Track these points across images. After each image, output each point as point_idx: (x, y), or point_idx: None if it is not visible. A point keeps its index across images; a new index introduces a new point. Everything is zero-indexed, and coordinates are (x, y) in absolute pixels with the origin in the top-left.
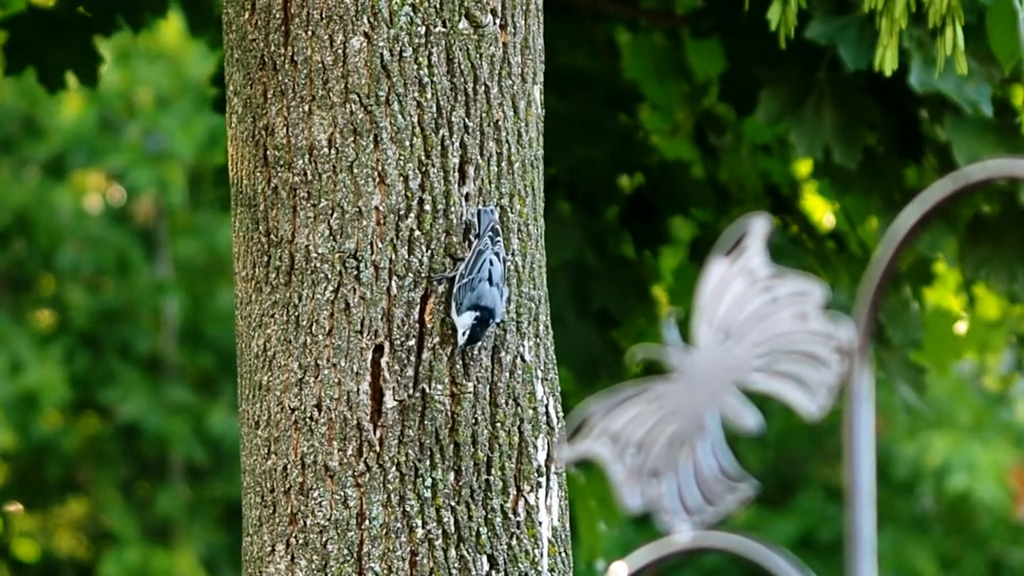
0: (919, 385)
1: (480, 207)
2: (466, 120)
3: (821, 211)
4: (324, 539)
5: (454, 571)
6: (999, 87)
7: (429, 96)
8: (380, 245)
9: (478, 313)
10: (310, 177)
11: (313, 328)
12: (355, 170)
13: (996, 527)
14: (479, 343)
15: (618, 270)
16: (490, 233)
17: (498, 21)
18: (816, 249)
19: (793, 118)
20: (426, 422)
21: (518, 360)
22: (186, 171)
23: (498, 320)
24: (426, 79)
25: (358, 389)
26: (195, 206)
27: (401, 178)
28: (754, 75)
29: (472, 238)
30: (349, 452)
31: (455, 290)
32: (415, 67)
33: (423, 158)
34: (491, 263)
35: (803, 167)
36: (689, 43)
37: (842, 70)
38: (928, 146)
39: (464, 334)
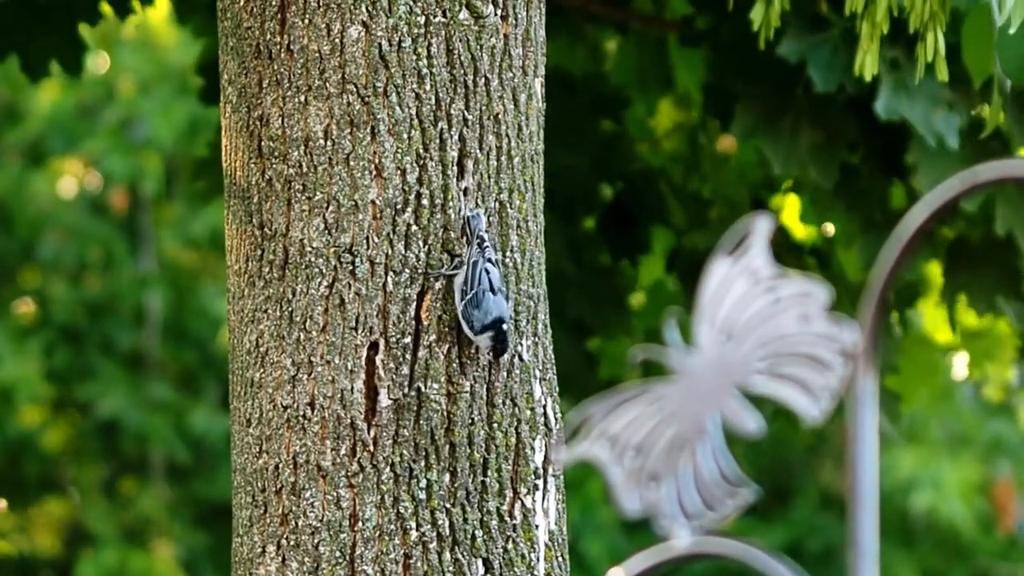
0: (892, 412)
1: (468, 213)
2: (465, 113)
3: (803, 227)
4: (316, 540)
5: (448, 575)
6: (974, 107)
7: (428, 88)
8: (376, 240)
9: (493, 332)
10: (305, 169)
11: (307, 324)
12: (351, 163)
13: (982, 541)
14: (508, 351)
15: (595, 279)
16: (478, 240)
17: (499, 12)
18: (797, 265)
19: (768, 134)
20: (421, 422)
21: (516, 359)
22: (164, 160)
23: (508, 321)
24: (425, 70)
25: (352, 387)
26: (172, 196)
27: (398, 171)
28: (733, 89)
29: (467, 241)
30: (342, 452)
31: (462, 308)
32: (414, 58)
33: (421, 151)
34: (487, 271)
35: (785, 184)
36: (675, 52)
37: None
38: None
39: (489, 352)
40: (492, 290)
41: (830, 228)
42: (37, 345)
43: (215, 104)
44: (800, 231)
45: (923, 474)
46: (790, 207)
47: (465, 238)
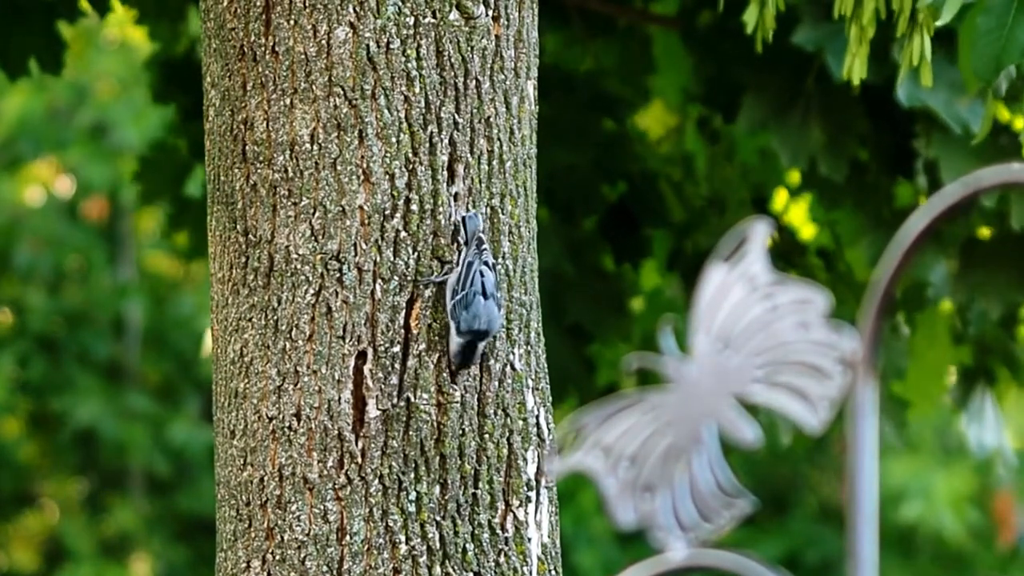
0: (899, 420)
1: (464, 213)
2: (456, 116)
3: (807, 227)
4: (303, 555)
5: None
6: (996, 104)
7: (417, 90)
8: (364, 246)
9: (469, 339)
10: (291, 174)
11: (293, 333)
12: (339, 167)
13: (982, 553)
14: (471, 364)
15: (595, 283)
16: (476, 241)
17: (491, 12)
18: (802, 265)
19: (777, 126)
20: (411, 433)
21: (508, 368)
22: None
23: (495, 333)
24: (414, 72)
25: (339, 397)
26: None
27: (387, 176)
28: (740, 80)
29: (461, 243)
30: (330, 464)
31: (451, 307)
32: (403, 60)
33: (410, 155)
34: (482, 274)
35: (791, 181)
36: (660, 52)
37: (831, 79)
38: (921, 163)
39: (456, 355)
40: (485, 294)
41: (832, 233)
42: (11, 356)
43: (167, 103)
44: (806, 231)
45: (914, 484)
46: (795, 207)
47: (459, 240)
